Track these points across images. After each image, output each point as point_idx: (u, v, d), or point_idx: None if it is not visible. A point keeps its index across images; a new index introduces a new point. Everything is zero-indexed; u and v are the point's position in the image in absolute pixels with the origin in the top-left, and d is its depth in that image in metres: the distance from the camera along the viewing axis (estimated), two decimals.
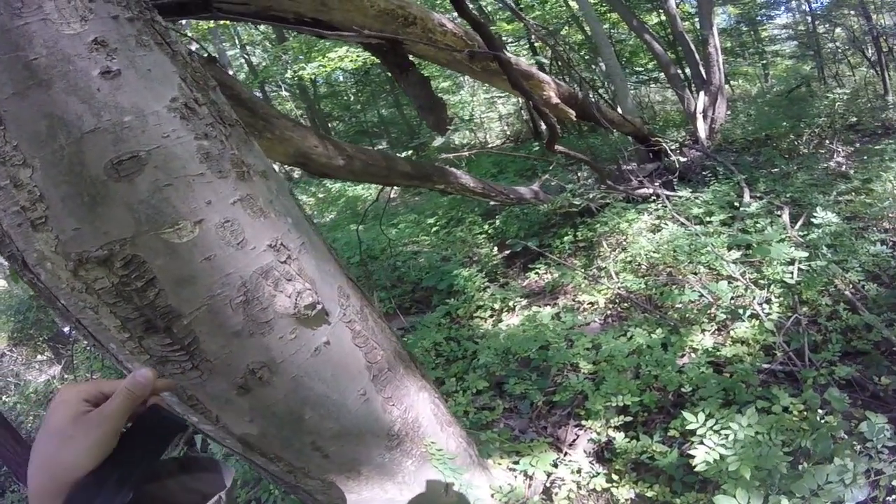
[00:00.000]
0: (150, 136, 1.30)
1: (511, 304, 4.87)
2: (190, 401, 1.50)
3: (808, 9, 13.83)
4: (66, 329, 9.02)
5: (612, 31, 14.06)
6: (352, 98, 20.03)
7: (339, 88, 20.06)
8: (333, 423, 1.69)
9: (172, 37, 1.48)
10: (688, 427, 2.36)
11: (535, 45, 13.02)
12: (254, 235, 1.45)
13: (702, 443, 2.29)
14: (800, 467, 2.14)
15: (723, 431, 2.28)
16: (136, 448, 0.84)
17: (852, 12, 12.02)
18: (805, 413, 2.54)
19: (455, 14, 4.20)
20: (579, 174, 7.91)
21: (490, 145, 14.74)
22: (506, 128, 16.61)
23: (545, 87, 5.56)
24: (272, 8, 3.05)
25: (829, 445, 2.24)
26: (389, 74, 14.49)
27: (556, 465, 2.68)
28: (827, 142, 7.38)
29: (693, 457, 2.33)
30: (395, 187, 6.39)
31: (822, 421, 2.42)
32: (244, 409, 1.54)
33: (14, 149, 1.20)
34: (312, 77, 13.63)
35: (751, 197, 5.61)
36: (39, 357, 8.83)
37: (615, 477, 2.58)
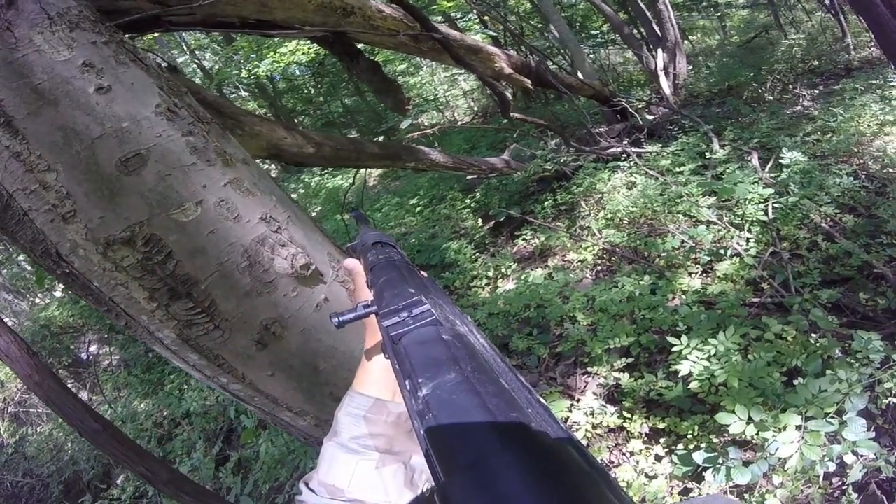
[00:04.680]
0: (146, 136, 1.55)
1: (504, 270, 5.01)
2: (217, 360, 1.70)
3: None
4: (84, 355, 9.14)
5: None
6: (312, 91, 19.85)
7: (297, 83, 19.88)
8: (346, 373, 1.84)
9: (141, 54, 1.73)
10: (673, 349, 2.58)
11: (486, 19, 13.04)
12: (246, 210, 1.68)
13: (685, 359, 2.51)
14: (795, 383, 2.30)
15: (705, 348, 2.50)
16: None
17: None
18: (797, 337, 2.71)
19: None
20: (549, 141, 8.03)
21: (460, 122, 14.79)
22: (472, 104, 16.64)
23: (496, 59, 5.65)
24: (217, 14, 3.14)
25: (820, 364, 2.40)
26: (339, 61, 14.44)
27: (570, 411, 2.84)
28: (791, 87, 7.55)
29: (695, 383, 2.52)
30: (372, 171, 6.48)
31: (816, 343, 2.60)
32: (265, 364, 1.73)
33: (38, 158, 1.43)
34: (268, 74, 13.58)
35: (719, 145, 5.77)
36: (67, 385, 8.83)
37: (626, 414, 2.74)
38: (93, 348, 9.57)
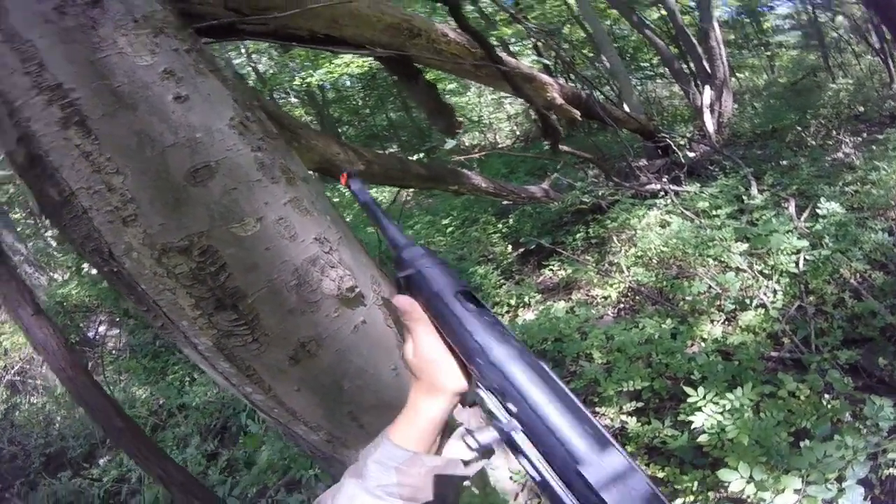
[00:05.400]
0: (218, 149, 1.55)
1: (527, 299, 5.01)
2: (247, 371, 1.72)
3: None
4: (92, 334, 9.43)
5: (613, 27, 14.10)
6: (360, 102, 20.07)
7: (346, 93, 20.08)
8: (370, 395, 1.89)
9: (219, 64, 1.74)
10: (688, 401, 2.55)
11: (539, 45, 13.08)
12: (302, 230, 1.70)
13: (700, 411, 2.48)
14: (801, 445, 2.27)
15: (721, 402, 2.47)
16: None
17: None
18: (810, 397, 2.67)
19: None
20: (588, 172, 8.02)
21: (500, 145, 14.84)
22: (515, 128, 16.66)
23: (548, 89, 5.68)
24: (288, 26, 3.23)
25: (828, 427, 2.37)
26: (397, 78, 14.62)
27: None
28: (834, 133, 7.43)
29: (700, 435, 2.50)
30: (411, 189, 6.58)
31: (828, 405, 2.56)
32: (294, 379, 1.76)
33: (107, 160, 1.43)
34: (320, 83, 13.82)
35: (758, 190, 5.71)
36: None
37: None
38: (102, 328, 9.82)
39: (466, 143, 15.69)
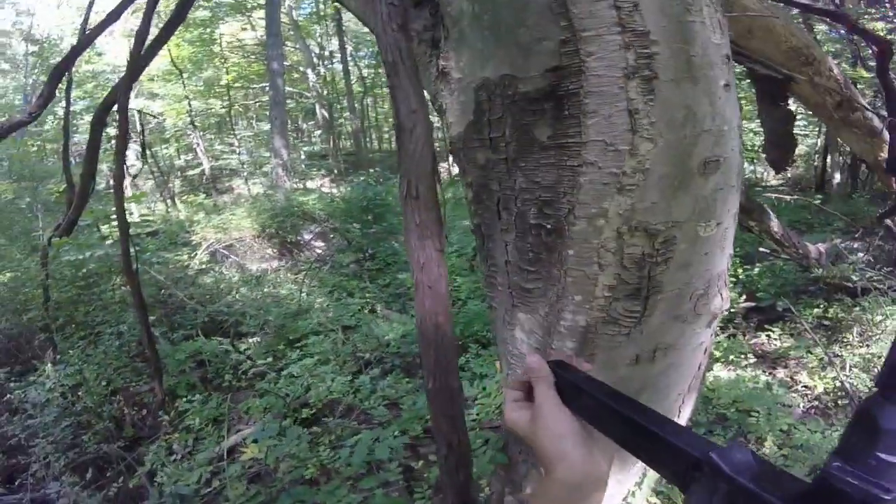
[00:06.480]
0: (728, 146, 1.50)
1: (731, 357, 4.92)
2: (586, 356, 1.63)
3: None
4: (307, 237, 11.43)
5: None
6: None
7: None
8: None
9: None
10: None
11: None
12: (729, 244, 1.65)
13: None
14: None
15: None
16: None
17: None
18: None
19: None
20: (869, 249, 7.12)
21: (764, 184, 13.86)
22: (787, 170, 15.39)
23: (883, 148, 5.10)
24: None
25: None
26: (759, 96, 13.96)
27: None
28: None
29: None
30: None
31: None
32: (616, 376, 1.66)
33: (650, 124, 1.38)
34: None
35: None
36: (269, 251, 10.76)
37: None
38: (309, 237, 11.38)
39: None
